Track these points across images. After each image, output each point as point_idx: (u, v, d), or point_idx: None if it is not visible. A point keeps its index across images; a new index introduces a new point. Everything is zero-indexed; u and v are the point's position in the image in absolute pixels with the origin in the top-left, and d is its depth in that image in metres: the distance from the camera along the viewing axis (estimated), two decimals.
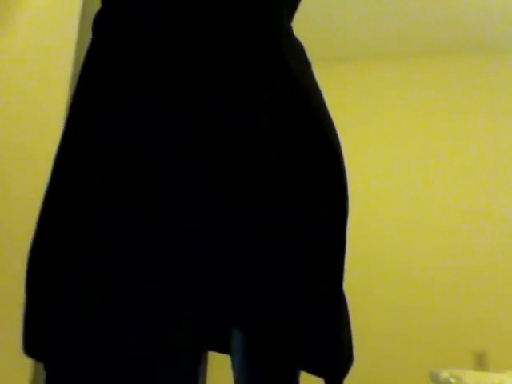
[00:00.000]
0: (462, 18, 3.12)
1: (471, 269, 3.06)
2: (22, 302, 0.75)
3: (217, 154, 0.75)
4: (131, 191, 0.72)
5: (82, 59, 0.86)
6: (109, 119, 0.77)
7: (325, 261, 0.77)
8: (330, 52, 3.36)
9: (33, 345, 0.74)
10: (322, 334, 0.77)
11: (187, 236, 0.71)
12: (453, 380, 2.17)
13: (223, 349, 0.90)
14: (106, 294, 0.69)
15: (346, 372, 0.81)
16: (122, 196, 0.72)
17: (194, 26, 0.79)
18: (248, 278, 0.74)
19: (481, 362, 2.85)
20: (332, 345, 0.78)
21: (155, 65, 0.78)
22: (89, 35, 0.87)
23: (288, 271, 0.76)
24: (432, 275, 3.10)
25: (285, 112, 0.79)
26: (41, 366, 0.74)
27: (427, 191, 3.30)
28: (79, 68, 0.86)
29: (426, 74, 3.50)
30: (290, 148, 0.79)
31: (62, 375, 0.69)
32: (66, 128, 0.81)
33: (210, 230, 0.72)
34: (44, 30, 1.94)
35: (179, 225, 0.71)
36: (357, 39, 3.38)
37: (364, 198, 3.16)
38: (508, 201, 3.17)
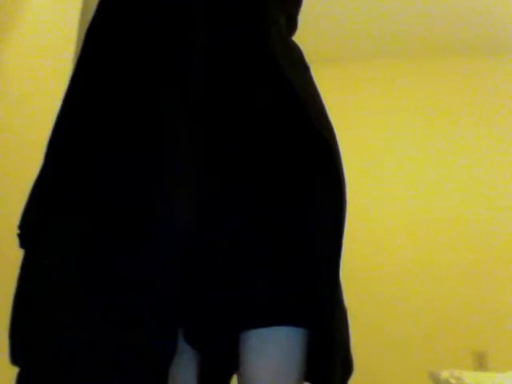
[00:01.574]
0: (462, 18, 3.12)
1: (471, 268, 3.06)
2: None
3: (213, 155, 0.76)
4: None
5: None
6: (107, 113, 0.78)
7: (318, 264, 0.76)
8: (330, 52, 3.36)
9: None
10: (314, 338, 0.76)
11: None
12: (453, 380, 2.17)
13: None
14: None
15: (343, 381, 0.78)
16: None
17: (187, 29, 0.80)
18: (248, 272, 0.75)
19: (481, 362, 2.85)
20: (325, 349, 0.74)
21: (153, 68, 0.79)
22: None
23: (282, 269, 0.75)
24: (432, 275, 3.10)
25: (281, 117, 0.80)
26: None
27: (428, 190, 3.30)
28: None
29: (426, 75, 3.50)
30: (286, 153, 0.79)
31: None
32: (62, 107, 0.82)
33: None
34: (44, 30, 1.94)
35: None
36: (357, 39, 3.38)
37: (363, 197, 3.16)
38: (509, 201, 3.17)
